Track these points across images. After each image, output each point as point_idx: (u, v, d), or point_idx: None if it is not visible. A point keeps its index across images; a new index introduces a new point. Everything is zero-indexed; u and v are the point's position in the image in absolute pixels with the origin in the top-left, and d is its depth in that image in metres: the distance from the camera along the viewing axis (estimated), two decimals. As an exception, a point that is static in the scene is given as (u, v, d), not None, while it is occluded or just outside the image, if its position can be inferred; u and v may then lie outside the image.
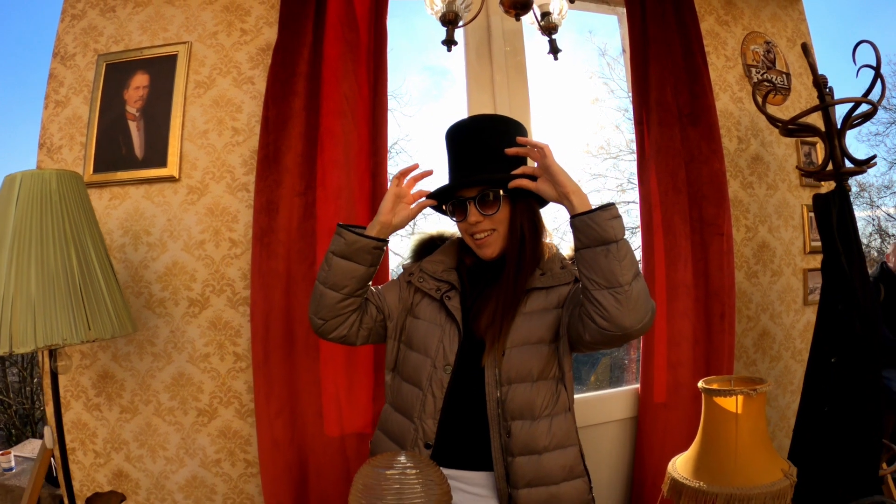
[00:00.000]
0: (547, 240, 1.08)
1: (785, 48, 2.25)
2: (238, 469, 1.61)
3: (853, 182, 1.80)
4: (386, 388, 1.11)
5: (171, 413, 1.61)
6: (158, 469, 1.61)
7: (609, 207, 0.88)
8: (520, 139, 1.00)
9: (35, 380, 5.94)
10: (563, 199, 0.94)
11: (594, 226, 0.87)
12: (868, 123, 1.76)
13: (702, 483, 1.05)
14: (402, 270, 1.17)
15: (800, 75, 2.24)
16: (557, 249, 1.09)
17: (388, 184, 1.04)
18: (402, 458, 0.82)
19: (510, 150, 1.00)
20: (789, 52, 2.24)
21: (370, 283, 1.07)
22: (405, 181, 1.06)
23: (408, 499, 0.78)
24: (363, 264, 1.01)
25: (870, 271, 3.19)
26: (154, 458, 1.62)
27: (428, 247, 1.17)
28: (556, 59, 1.62)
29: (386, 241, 1.05)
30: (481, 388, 0.98)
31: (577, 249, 0.91)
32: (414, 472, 0.80)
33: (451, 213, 1.06)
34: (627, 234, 0.92)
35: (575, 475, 1.01)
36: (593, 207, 0.90)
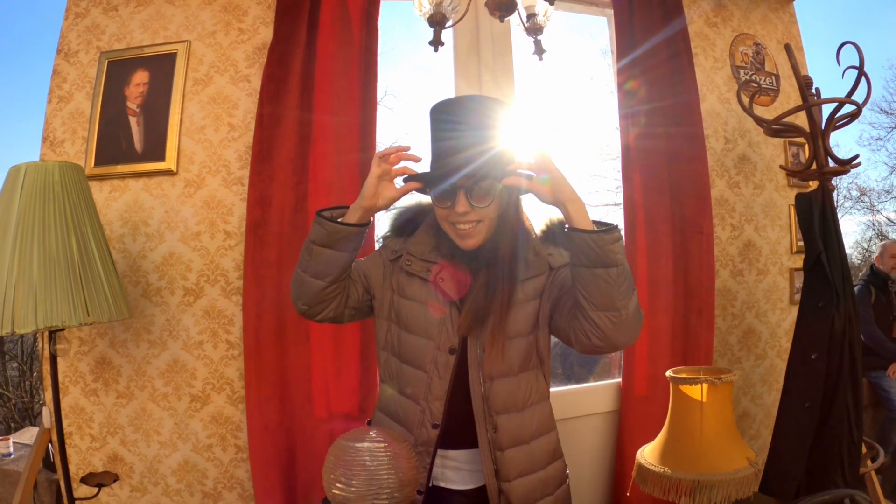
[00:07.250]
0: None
1: (775, 51, 2.26)
2: (229, 454, 1.66)
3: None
4: (380, 366, 1.09)
5: (166, 399, 1.67)
6: (152, 453, 1.66)
7: (612, 230, 0.84)
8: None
9: (34, 373, 6.02)
10: (559, 204, 0.89)
11: (596, 248, 0.83)
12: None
13: (667, 469, 1.08)
14: (382, 243, 1.12)
15: (789, 77, 2.24)
16: (531, 234, 1.04)
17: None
18: (373, 433, 0.86)
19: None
20: (779, 55, 2.25)
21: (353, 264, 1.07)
22: (391, 157, 0.98)
23: (374, 470, 0.82)
24: (346, 251, 0.97)
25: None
26: (148, 443, 1.67)
27: (410, 221, 1.11)
28: (540, 59, 1.65)
29: (368, 224, 1.00)
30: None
31: (574, 265, 0.88)
32: (382, 445, 0.84)
33: (436, 199, 0.98)
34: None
35: (557, 456, 1.05)
36: (596, 227, 0.85)
